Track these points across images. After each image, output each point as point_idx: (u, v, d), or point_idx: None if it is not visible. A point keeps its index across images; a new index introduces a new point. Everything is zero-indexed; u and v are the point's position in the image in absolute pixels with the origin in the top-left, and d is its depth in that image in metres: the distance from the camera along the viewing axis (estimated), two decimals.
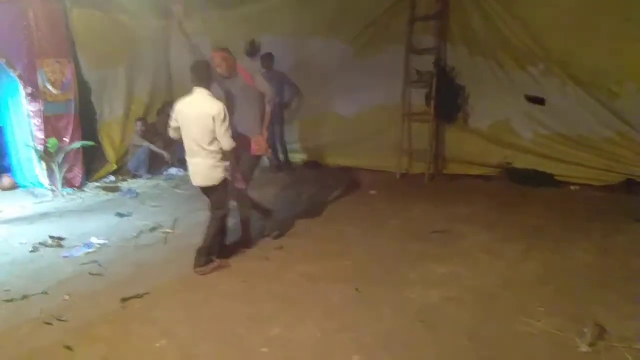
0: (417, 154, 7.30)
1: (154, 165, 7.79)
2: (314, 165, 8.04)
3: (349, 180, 7.14)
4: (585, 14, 5.93)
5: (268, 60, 7.54)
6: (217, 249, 4.31)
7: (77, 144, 6.91)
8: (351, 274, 4.07)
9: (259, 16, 8.10)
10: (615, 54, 5.88)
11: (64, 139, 6.84)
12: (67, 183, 6.89)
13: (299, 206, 6.03)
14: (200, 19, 8.57)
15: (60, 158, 6.61)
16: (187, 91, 9.43)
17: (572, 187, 6.29)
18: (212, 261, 4.21)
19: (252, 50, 8.00)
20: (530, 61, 6.44)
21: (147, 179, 7.61)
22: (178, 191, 6.94)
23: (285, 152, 8.01)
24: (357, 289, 3.79)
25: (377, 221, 5.37)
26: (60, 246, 4.88)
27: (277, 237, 4.87)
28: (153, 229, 5.27)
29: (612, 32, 5.84)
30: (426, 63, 6.96)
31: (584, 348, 2.91)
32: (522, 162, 6.65)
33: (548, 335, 3.09)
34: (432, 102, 6.93)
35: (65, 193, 6.73)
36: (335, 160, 7.94)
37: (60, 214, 5.99)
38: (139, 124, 7.85)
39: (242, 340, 3.16)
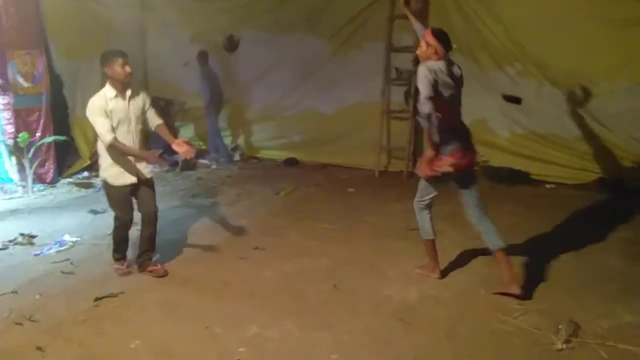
0: (396, 151, 7.33)
1: None
2: (292, 162, 8.00)
3: (327, 178, 7.13)
4: (561, 15, 6.04)
5: (204, 57, 7.88)
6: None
7: (49, 139, 6.72)
8: (329, 272, 4.05)
9: (237, 10, 8.04)
10: (589, 55, 5.99)
11: (35, 133, 6.66)
12: (38, 178, 6.70)
13: (276, 204, 5.98)
14: (179, 11, 8.44)
15: (31, 153, 6.42)
16: (163, 84, 9.27)
17: (547, 186, 6.40)
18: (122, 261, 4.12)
19: (231, 45, 7.92)
20: (507, 61, 6.52)
21: None
22: None
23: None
24: (335, 286, 3.78)
25: (355, 218, 5.37)
26: (31, 244, 4.74)
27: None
28: None
29: (586, 33, 5.96)
30: (405, 61, 6.98)
31: (559, 345, 2.96)
32: (498, 161, 6.73)
33: (524, 333, 3.13)
34: (411, 100, 6.96)
35: (36, 189, 6.54)
36: (313, 157, 7.91)
37: (31, 210, 5.82)
38: None
39: (219, 340, 3.12)
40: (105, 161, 3.87)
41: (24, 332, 3.23)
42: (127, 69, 3.77)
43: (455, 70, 3.51)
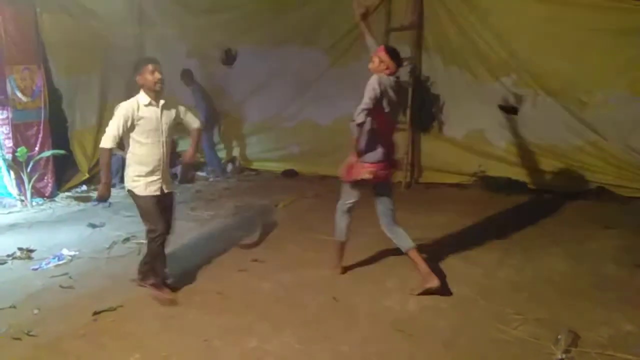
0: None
1: None
2: (290, 173, 8.01)
3: (326, 189, 7.13)
4: (557, 26, 6.10)
5: (188, 76, 7.87)
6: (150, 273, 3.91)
7: (47, 153, 6.74)
8: (328, 283, 4.05)
9: (235, 23, 8.09)
10: (585, 64, 6.06)
11: (34, 147, 6.67)
12: (37, 193, 6.70)
13: (275, 216, 5.99)
14: (177, 25, 8.50)
15: (29, 167, 6.43)
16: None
17: (545, 195, 6.42)
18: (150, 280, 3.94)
19: (228, 58, 7.95)
20: (503, 72, 6.58)
21: (120, 188, 7.44)
22: None
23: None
24: (334, 298, 3.78)
25: (354, 229, 5.33)
26: (30, 258, 4.73)
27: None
28: (126, 240, 5.15)
29: (580, 43, 6.02)
30: (402, 72, 6.98)
31: (559, 355, 2.96)
32: (496, 171, 6.76)
33: (523, 343, 3.12)
34: (408, 111, 7.00)
35: (34, 203, 6.55)
36: (312, 168, 7.93)
37: (30, 224, 5.82)
38: None
39: (218, 353, 3.11)
40: (132, 171, 3.74)
41: (23, 347, 3.22)
42: (157, 75, 3.62)
43: (402, 89, 3.80)
